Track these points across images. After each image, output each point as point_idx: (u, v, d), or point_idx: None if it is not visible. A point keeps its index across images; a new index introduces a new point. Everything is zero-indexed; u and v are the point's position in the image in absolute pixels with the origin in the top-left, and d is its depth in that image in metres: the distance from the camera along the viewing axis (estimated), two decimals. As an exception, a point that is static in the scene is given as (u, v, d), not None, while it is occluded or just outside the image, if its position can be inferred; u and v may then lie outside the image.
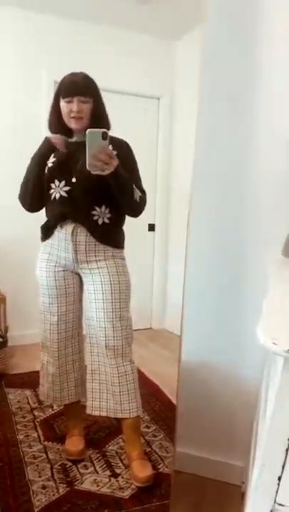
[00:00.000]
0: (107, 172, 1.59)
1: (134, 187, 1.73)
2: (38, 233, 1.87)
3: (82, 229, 1.73)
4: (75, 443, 1.92)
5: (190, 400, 1.79)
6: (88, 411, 1.85)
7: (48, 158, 1.77)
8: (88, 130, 1.56)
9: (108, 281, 1.76)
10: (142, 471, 1.74)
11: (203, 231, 1.71)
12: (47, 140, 1.77)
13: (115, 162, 1.59)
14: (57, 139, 1.76)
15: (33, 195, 1.80)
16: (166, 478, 1.77)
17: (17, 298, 3.26)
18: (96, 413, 1.84)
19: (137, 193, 1.74)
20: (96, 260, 1.77)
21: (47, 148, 1.77)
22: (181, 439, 1.80)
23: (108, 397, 1.81)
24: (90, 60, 3.22)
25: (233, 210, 1.68)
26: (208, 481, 1.76)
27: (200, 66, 1.59)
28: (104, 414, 1.83)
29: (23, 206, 1.86)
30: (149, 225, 3.96)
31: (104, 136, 1.56)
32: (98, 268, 1.77)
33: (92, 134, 1.56)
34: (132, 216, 1.82)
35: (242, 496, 1.68)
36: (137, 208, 1.78)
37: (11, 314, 3.17)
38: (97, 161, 1.56)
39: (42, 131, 3.39)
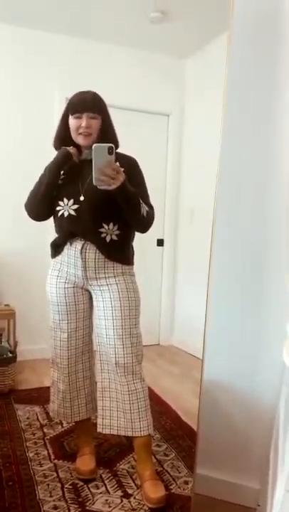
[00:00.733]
0: (113, 187, 1.59)
1: (142, 202, 1.73)
2: (48, 249, 1.88)
3: (91, 246, 1.73)
4: (86, 462, 1.89)
5: (206, 421, 1.77)
6: (99, 429, 1.82)
7: (64, 168, 1.77)
8: (94, 145, 1.56)
9: (118, 298, 1.76)
10: (155, 491, 1.70)
11: (227, 254, 1.70)
12: (64, 150, 1.77)
13: (122, 177, 1.59)
14: (72, 149, 1.77)
15: (43, 205, 1.79)
16: (178, 499, 1.74)
17: (26, 313, 3.26)
18: (107, 431, 1.81)
19: (144, 208, 1.73)
20: (106, 277, 1.77)
21: (64, 158, 1.76)
22: (199, 461, 1.77)
23: (119, 415, 1.79)
24: (101, 78, 3.28)
25: (256, 232, 1.67)
26: (223, 503, 1.73)
27: (225, 88, 1.59)
28: (115, 432, 1.81)
29: (29, 214, 1.84)
30: (157, 240, 3.97)
31: (110, 150, 1.56)
32: (108, 285, 1.77)
33: (99, 149, 1.56)
34: (139, 231, 1.83)
35: (257, 518, 1.65)
36: (144, 223, 1.77)
37: (20, 329, 3.16)
38: (103, 176, 1.56)
39: (53, 148, 3.44)
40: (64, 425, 2.32)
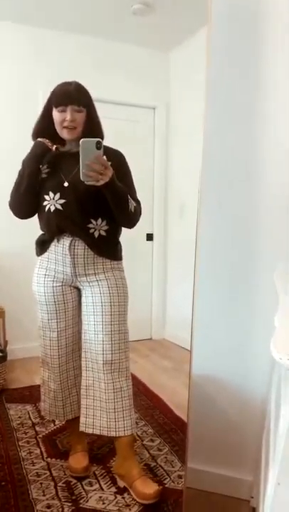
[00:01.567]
0: (101, 182, 1.56)
1: (129, 197, 1.71)
2: (33, 247, 1.85)
3: (80, 242, 1.71)
4: (79, 459, 1.88)
5: (198, 414, 1.77)
6: (81, 428, 1.79)
7: (42, 161, 1.72)
8: (82, 140, 1.53)
9: (108, 293, 1.74)
10: (149, 487, 1.69)
11: (212, 244, 1.69)
12: (39, 142, 1.71)
13: (110, 172, 1.57)
14: (46, 140, 1.71)
15: (27, 200, 1.74)
16: (172, 493, 1.74)
17: (16, 311, 3.23)
18: (90, 431, 1.78)
19: (132, 204, 1.71)
20: (95, 273, 1.75)
21: (41, 151, 1.70)
22: (190, 455, 1.77)
23: (102, 414, 1.75)
24: (85, 71, 3.23)
25: (243, 222, 1.66)
26: (217, 496, 1.73)
27: (206, 76, 1.57)
28: (97, 432, 1.77)
29: (16, 214, 1.80)
30: (147, 234, 3.95)
31: (99, 145, 1.52)
32: (97, 280, 1.75)
33: (86, 144, 1.52)
34: (127, 227, 1.80)
35: (252, 511, 1.65)
36: (132, 219, 1.75)
37: (10, 328, 3.13)
38: (91, 171, 1.53)
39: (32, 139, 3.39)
40: (56, 423, 2.30)
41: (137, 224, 1.80)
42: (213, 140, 1.65)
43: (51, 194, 1.70)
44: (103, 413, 1.75)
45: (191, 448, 1.75)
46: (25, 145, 3.02)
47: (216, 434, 1.75)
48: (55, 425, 2.29)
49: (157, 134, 3.94)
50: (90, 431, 1.78)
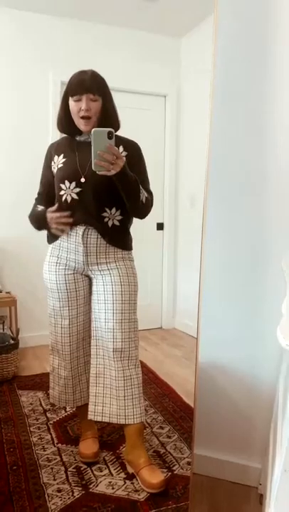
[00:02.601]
0: (113, 172, 1.56)
1: (141, 188, 1.70)
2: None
3: (93, 231, 1.72)
4: (89, 445, 1.90)
5: (206, 401, 1.77)
6: (90, 416, 1.79)
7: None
8: (93, 129, 1.53)
9: (119, 282, 1.75)
10: (154, 476, 1.69)
11: (219, 231, 1.69)
12: (43, 215, 1.75)
13: (121, 162, 1.56)
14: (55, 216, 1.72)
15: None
16: (181, 480, 1.75)
17: (27, 300, 3.26)
18: (98, 418, 1.78)
19: (144, 195, 1.72)
20: (106, 262, 1.76)
21: (44, 226, 1.77)
22: (198, 441, 1.78)
23: (112, 401, 1.76)
24: (96, 59, 3.21)
25: (251, 209, 1.65)
26: (225, 483, 1.74)
27: (212, 66, 1.56)
28: (106, 420, 1.77)
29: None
30: (157, 224, 3.94)
31: (110, 135, 1.52)
32: (109, 269, 1.76)
33: (98, 134, 1.52)
34: (137, 217, 1.81)
35: (260, 497, 1.66)
36: (143, 210, 1.76)
37: (21, 316, 3.17)
38: (102, 161, 1.53)
39: (49, 131, 3.40)
40: (67, 410, 2.33)
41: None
42: (219, 131, 1.64)
43: (67, 183, 1.71)
44: (113, 400, 1.76)
45: (198, 434, 1.76)
46: (33, 130, 3.01)
47: (223, 421, 1.75)
48: (66, 412, 2.32)
49: (168, 122, 3.91)
50: (99, 418, 1.78)
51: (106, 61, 3.30)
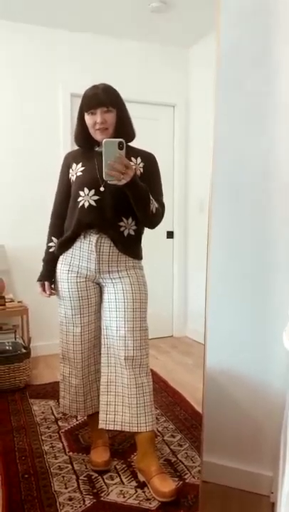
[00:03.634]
0: (123, 182, 1.59)
1: (152, 198, 1.73)
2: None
3: (106, 239, 1.75)
4: (100, 454, 1.91)
5: (216, 409, 1.76)
6: (102, 425, 1.79)
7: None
8: (104, 140, 1.57)
9: (130, 290, 1.77)
10: (165, 485, 1.68)
11: (225, 237, 1.69)
12: (46, 279, 1.91)
13: (132, 172, 1.59)
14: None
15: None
16: (192, 488, 1.75)
17: (38, 309, 3.29)
18: (110, 427, 1.78)
19: (154, 205, 1.74)
20: (118, 271, 1.78)
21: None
22: (208, 449, 1.77)
23: (124, 410, 1.76)
24: (105, 71, 3.27)
25: (257, 215, 1.65)
26: (236, 492, 1.72)
27: (216, 69, 1.58)
28: (118, 428, 1.77)
29: None
30: (167, 232, 3.96)
31: (121, 145, 1.56)
32: (120, 277, 1.78)
33: (109, 144, 1.56)
34: (147, 227, 1.84)
35: (271, 506, 1.65)
36: (152, 220, 1.78)
37: (33, 325, 3.19)
38: (113, 171, 1.56)
39: (60, 142, 3.44)
40: (78, 419, 2.34)
41: (158, 223, 1.83)
42: (224, 134, 1.65)
43: (86, 190, 1.74)
44: (125, 408, 1.76)
45: (208, 442, 1.75)
46: (44, 142, 3.03)
47: (233, 429, 1.74)
48: (77, 420, 2.33)
49: (177, 132, 3.94)
50: (111, 427, 1.79)
51: (115, 72, 3.36)
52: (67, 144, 3.39)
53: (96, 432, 1.98)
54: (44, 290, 1.90)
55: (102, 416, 1.80)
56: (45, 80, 3.40)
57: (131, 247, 1.79)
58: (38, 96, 3.40)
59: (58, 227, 1.88)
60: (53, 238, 1.89)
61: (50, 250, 1.89)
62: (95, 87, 1.75)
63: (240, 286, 1.70)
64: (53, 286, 1.91)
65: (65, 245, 1.83)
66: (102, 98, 1.70)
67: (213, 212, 1.65)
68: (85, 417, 2.13)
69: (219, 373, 1.74)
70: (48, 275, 1.89)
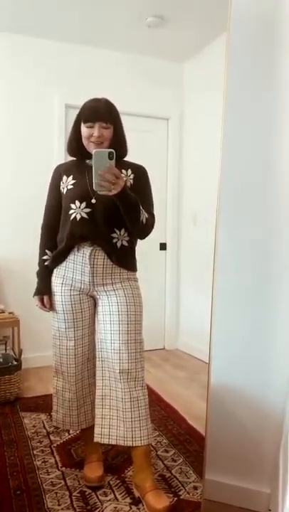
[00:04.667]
0: (113, 192, 1.58)
1: (142, 209, 1.73)
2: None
3: (100, 252, 1.74)
4: (93, 469, 1.88)
5: (216, 426, 1.75)
6: (97, 439, 1.76)
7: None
8: (95, 150, 1.56)
9: (125, 303, 1.75)
10: (159, 502, 1.65)
11: (231, 254, 1.68)
12: (41, 293, 1.87)
13: (122, 182, 1.59)
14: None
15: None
16: (187, 505, 1.72)
17: (30, 320, 3.25)
18: (105, 441, 1.75)
19: (144, 215, 1.73)
20: (112, 283, 1.77)
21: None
22: (208, 467, 1.75)
23: (118, 423, 1.74)
24: (100, 83, 3.28)
25: (263, 229, 1.65)
26: (235, 509, 1.71)
27: (225, 67, 1.58)
28: (113, 442, 1.74)
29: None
30: (160, 244, 3.96)
31: (111, 156, 1.55)
32: (114, 290, 1.77)
33: (99, 154, 1.55)
34: (137, 238, 1.84)
35: (268, 523, 1.63)
36: (142, 230, 1.77)
37: (24, 336, 3.15)
38: (103, 181, 1.55)
39: (53, 153, 3.44)
40: (70, 432, 2.30)
41: (151, 234, 1.83)
42: (231, 145, 1.65)
43: (77, 203, 1.73)
44: (120, 422, 1.74)
45: (208, 459, 1.73)
46: (38, 152, 3.03)
47: (233, 446, 1.73)
48: (69, 434, 2.29)
49: (170, 145, 3.97)
50: (106, 441, 1.76)
51: (111, 85, 3.38)
52: (61, 155, 3.39)
53: (90, 447, 1.95)
54: (43, 304, 1.87)
55: (97, 430, 1.77)
56: (41, 90, 3.41)
57: (125, 259, 1.78)
58: (33, 107, 3.40)
59: (50, 239, 1.87)
60: (47, 251, 1.87)
61: (46, 264, 1.86)
62: (96, 100, 1.76)
63: (247, 304, 1.70)
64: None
65: (58, 258, 1.81)
66: (103, 113, 1.71)
67: (219, 228, 1.65)
68: (78, 431, 2.10)
69: (222, 391, 1.73)
70: (46, 289, 1.86)
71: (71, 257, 1.78)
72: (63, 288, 1.81)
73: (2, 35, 3.28)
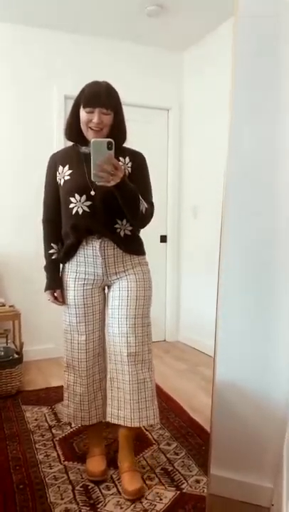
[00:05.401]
0: (112, 183, 1.55)
1: (141, 198, 1.70)
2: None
3: (109, 242, 1.74)
4: (96, 463, 1.88)
5: (221, 422, 1.75)
6: (108, 418, 1.84)
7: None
8: (93, 140, 1.52)
9: (135, 288, 1.77)
10: (132, 483, 1.73)
11: (237, 251, 1.66)
12: (52, 288, 1.84)
13: (121, 173, 1.55)
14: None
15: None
16: (190, 498, 1.73)
17: (31, 313, 3.25)
18: (115, 421, 1.81)
19: (144, 205, 1.71)
20: (124, 270, 1.78)
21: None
22: (212, 462, 1.75)
23: (126, 405, 1.78)
24: (99, 73, 3.22)
25: (270, 225, 1.62)
26: (237, 503, 1.71)
27: (232, 62, 1.54)
28: (121, 422, 1.80)
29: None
30: (160, 236, 3.94)
31: (110, 146, 1.51)
32: (126, 275, 1.79)
33: (97, 144, 1.51)
34: (137, 227, 1.81)
35: (271, 517, 1.64)
36: (142, 219, 1.75)
37: (25, 329, 3.15)
38: (102, 172, 1.51)
39: (53, 144, 3.40)
40: (72, 426, 2.30)
41: (151, 225, 1.82)
42: (239, 140, 1.61)
43: (77, 196, 1.71)
44: (127, 404, 1.77)
45: (213, 454, 1.73)
46: (37, 143, 3.01)
47: (237, 441, 1.73)
48: (71, 428, 2.30)
49: (171, 135, 3.93)
50: (116, 421, 1.81)
51: (110, 75, 3.31)
52: (61, 146, 3.34)
53: (93, 441, 1.95)
54: (56, 299, 1.84)
55: (108, 409, 1.84)
56: (40, 81, 3.37)
57: (132, 246, 1.79)
58: (32, 98, 3.36)
59: (54, 233, 1.84)
60: (53, 245, 1.84)
61: (53, 258, 1.84)
62: (97, 84, 1.70)
63: (253, 300, 1.68)
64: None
65: (69, 253, 1.79)
66: (104, 99, 1.65)
67: (225, 223, 1.62)
68: (81, 425, 2.09)
69: (227, 387, 1.73)
70: (57, 283, 1.84)
71: (81, 251, 1.77)
72: (77, 283, 1.80)
73: (1, 25, 3.22)
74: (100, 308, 1.84)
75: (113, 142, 1.52)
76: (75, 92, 1.75)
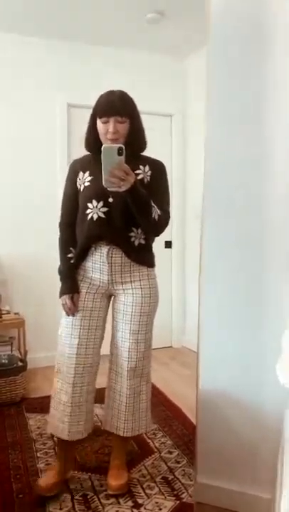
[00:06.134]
0: (123, 189, 1.56)
1: (154, 206, 1.69)
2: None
3: (117, 250, 1.73)
4: (46, 477, 1.80)
5: (210, 430, 1.74)
6: (103, 426, 1.91)
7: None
8: (104, 146, 1.53)
9: (140, 303, 1.77)
10: (116, 479, 1.81)
11: (220, 259, 1.67)
12: (69, 292, 1.78)
13: (132, 178, 1.55)
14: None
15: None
16: (189, 508, 1.71)
17: (36, 320, 3.27)
18: (108, 429, 1.88)
19: (156, 212, 1.69)
20: (131, 281, 1.77)
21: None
22: (203, 470, 1.74)
23: (119, 415, 1.83)
24: (103, 81, 3.25)
25: (250, 231, 1.63)
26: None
27: (207, 79, 1.58)
28: (113, 431, 1.86)
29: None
30: (165, 242, 3.94)
31: (120, 151, 1.51)
32: (132, 289, 1.78)
33: (108, 150, 1.51)
34: (150, 234, 1.80)
35: (269, 528, 1.62)
36: (155, 227, 1.73)
37: (30, 336, 3.17)
38: (112, 178, 1.52)
39: (56, 152, 3.42)
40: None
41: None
42: (215, 143, 1.65)
43: (94, 202, 1.71)
44: (121, 415, 1.82)
45: (204, 463, 1.72)
46: (41, 150, 3.01)
47: (228, 450, 1.72)
48: (73, 436, 2.29)
49: (174, 142, 3.93)
50: (109, 429, 1.88)
51: (112, 82, 3.35)
52: (64, 154, 3.39)
53: (60, 454, 1.88)
54: (73, 303, 1.77)
55: (103, 417, 1.90)
56: (42, 90, 3.40)
57: (143, 256, 1.78)
58: (35, 106, 3.39)
59: (72, 237, 1.82)
60: (71, 249, 1.81)
61: (72, 262, 1.81)
62: (111, 93, 1.72)
63: (237, 305, 1.68)
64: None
65: (79, 258, 1.80)
66: (118, 107, 1.67)
67: (205, 228, 1.63)
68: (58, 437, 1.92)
69: (213, 394, 1.72)
70: (75, 287, 1.79)
71: (89, 256, 1.78)
72: (80, 286, 1.80)
73: (3, 35, 3.27)
74: (98, 314, 1.81)
75: (124, 148, 1.52)
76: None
